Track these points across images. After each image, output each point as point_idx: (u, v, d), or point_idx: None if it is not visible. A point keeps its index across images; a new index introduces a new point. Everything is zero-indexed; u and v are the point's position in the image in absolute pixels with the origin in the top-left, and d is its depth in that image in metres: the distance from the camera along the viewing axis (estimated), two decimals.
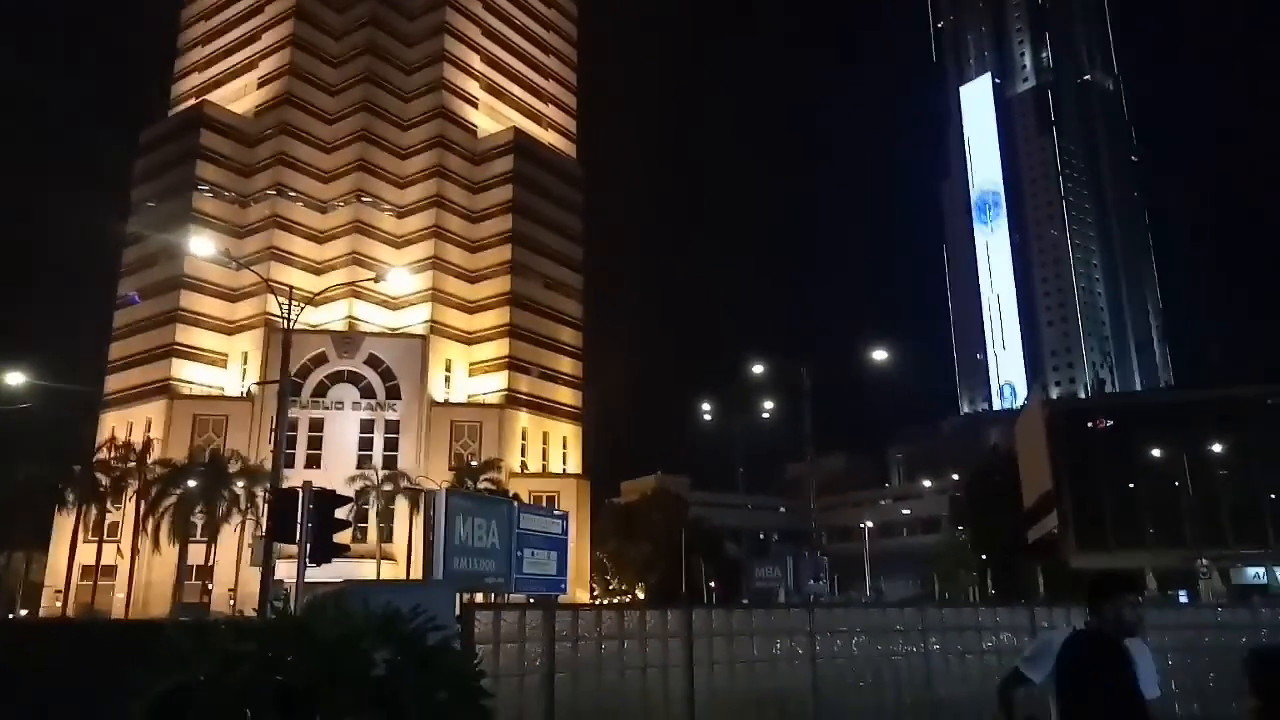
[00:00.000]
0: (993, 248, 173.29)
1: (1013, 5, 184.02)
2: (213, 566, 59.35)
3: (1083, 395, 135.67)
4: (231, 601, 59.51)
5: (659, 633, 9.41)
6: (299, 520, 11.31)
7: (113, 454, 63.03)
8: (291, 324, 20.55)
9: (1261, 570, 54.33)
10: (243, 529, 58.55)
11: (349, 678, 4.58)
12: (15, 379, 27.59)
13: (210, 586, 59.57)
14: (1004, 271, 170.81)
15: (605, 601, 78.54)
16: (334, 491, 13.32)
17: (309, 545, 11.17)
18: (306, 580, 13.72)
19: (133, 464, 61.72)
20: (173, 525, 57.46)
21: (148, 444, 63.83)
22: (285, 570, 22.31)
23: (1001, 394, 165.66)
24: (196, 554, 59.43)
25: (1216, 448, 56.22)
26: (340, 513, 15.16)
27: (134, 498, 60.59)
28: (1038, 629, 12.02)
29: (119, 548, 62.65)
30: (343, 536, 17.57)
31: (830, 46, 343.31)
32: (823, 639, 10.32)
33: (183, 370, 74.22)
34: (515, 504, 25.43)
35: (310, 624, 4.77)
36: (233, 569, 60.07)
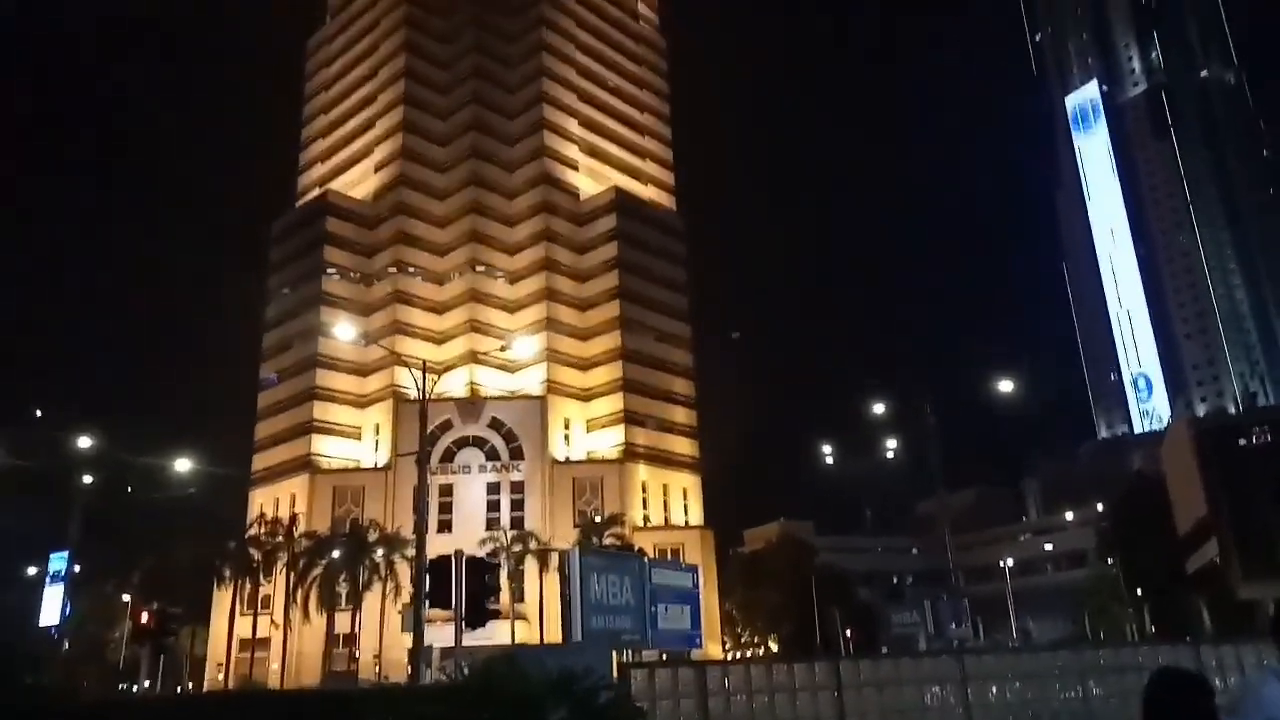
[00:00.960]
0: (1117, 261, 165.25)
1: (1114, 6, 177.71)
2: (357, 634, 61.83)
3: (1232, 410, 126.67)
4: (377, 668, 61.69)
5: (808, 685, 9.46)
6: (453, 586, 11.97)
7: (262, 530, 66.87)
8: (426, 396, 21.65)
9: None
10: (384, 595, 60.86)
11: None
12: (182, 465, 29.89)
13: (357, 654, 61.91)
14: (1132, 285, 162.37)
15: (739, 655, 77.34)
16: (483, 559, 13.93)
17: (464, 610, 11.79)
18: (447, 644, 14.28)
19: (281, 538, 65.23)
20: (320, 595, 60.40)
21: (293, 518, 67.43)
22: (430, 635, 23.23)
23: (1140, 404, 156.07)
24: (342, 622, 62.11)
25: None
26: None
27: (284, 570, 63.81)
28: (1205, 667, 11.41)
29: (272, 619, 65.97)
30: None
31: (923, 63, 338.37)
32: (975, 686, 10.11)
33: (321, 445, 78.29)
34: (646, 560, 25.74)
35: (492, 686, 5.20)
36: (376, 635, 62.44)
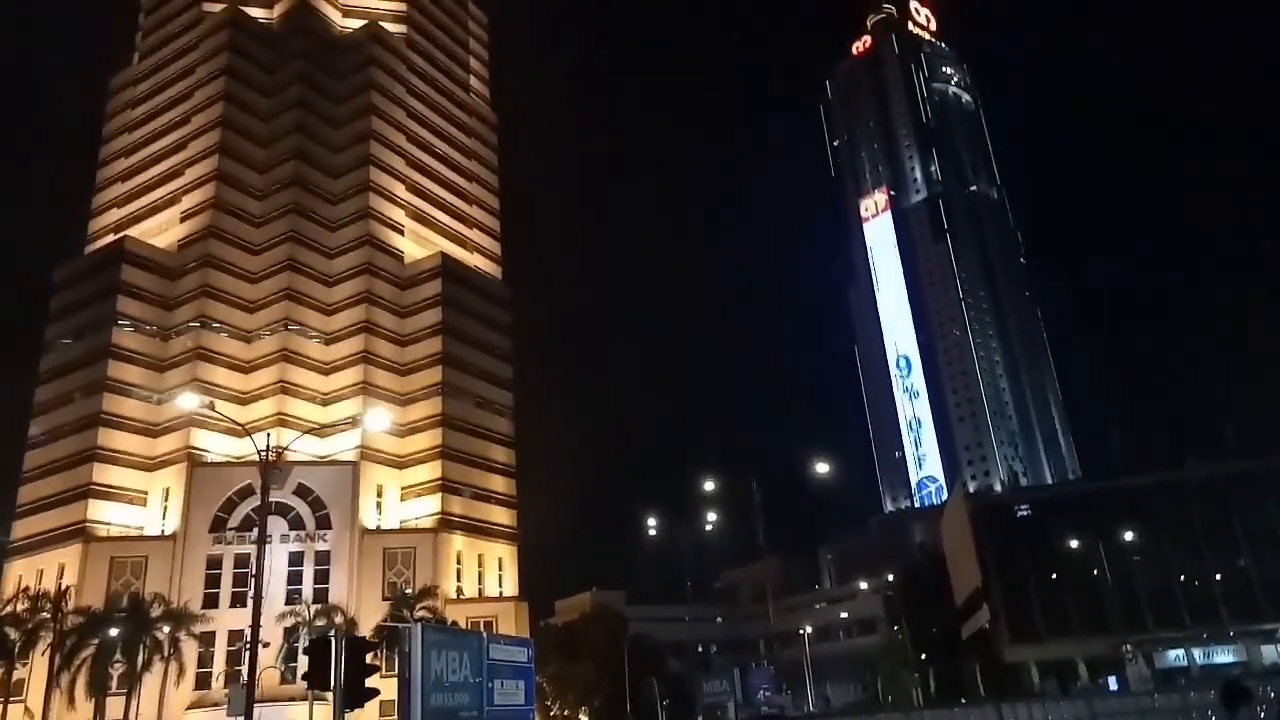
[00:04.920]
0: (901, 348, 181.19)
1: (900, 124, 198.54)
2: None
3: (998, 488, 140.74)
4: None
5: None
6: (332, 666, 11.84)
7: (20, 606, 59.50)
8: (267, 457, 21.00)
9: (1181, 652, 56.87)
10: (165, 677, 55.90)
11: None
12: None
13: None
14: (915, 371, 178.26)
15: None
16: (363, 638, 13.79)
17: (343, 691, 11.71)
18: None
19: (45, 614, 58.29)
20: (90, 678, 54.30)
21: (63, 591, 60.57)
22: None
23: (922, 489, 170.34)
24: (114, 709, 56.04)
25: (1128, 535, 59.50)
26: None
27: (46, 652, 56.97)
28: None
29: (26, 707, 58.62)
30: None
31: (744, 154, 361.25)
32: None
33: (100, 511, 71.26)
34: (484, 635, 25.78)
35: None
36: None
